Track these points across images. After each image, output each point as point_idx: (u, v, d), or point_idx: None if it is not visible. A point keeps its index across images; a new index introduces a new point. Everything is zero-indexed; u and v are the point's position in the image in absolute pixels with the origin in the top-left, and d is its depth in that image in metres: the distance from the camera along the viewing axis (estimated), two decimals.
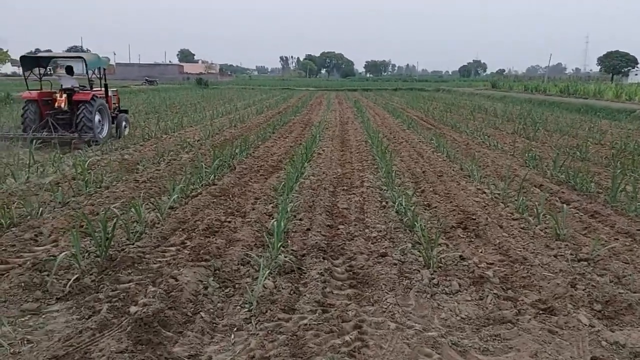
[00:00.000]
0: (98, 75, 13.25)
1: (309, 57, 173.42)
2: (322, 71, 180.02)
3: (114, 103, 14.11)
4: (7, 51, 79.25)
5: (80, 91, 12.39)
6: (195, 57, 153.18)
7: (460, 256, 5.17)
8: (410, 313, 3.94)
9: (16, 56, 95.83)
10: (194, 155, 10.67)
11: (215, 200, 7.22)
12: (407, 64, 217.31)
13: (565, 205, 6.66)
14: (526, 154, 10.81)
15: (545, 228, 6.10)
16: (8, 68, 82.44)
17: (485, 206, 7.12)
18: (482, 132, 15.10)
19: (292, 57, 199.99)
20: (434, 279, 4.57)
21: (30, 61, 12.67)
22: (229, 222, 6.21)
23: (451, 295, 4.30)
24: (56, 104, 12.03)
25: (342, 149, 12.49)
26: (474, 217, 6.46)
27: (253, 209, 6.81)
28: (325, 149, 12.28)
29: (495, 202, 7.31)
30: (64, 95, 12.03)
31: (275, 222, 5.31)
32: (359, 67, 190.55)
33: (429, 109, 25.41)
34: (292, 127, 17.55)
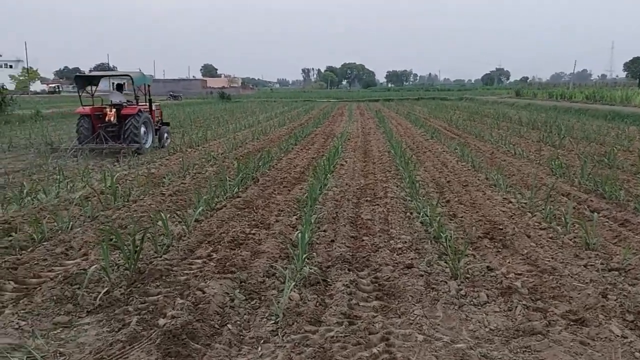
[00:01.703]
0: (143, 91, 14.48)
1: (330, 69, 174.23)
2: (343, 82, 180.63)
3: (157, 116, 15.28)
4: (37, 70, 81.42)
5: (128, 106, 13.63)
6: (218, 72, 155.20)
7: (488, 267, 5.11)
8: (438, 325, 3.90)
9: (45, 75, 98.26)
10: (218, 168, 10.79)
11: (239, 212, 7.28)
12: (429, 73, 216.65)
13: (595, 214, 6.54)
14: (552, 162, 10.66)
15: (574, 237, 5.99)
16: (38, 86, 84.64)
17: (512, 216, 7.03)
18: (507, 141, 14.93)
19: (313, 69, 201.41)
20: (461, 290, 4.52)
21: (83, 80, 14.17)
22: (254, 234, 6.25)
23: (479, 307, 4.25)
24: (106, 118, 13.23)
25: (365, 159, 12.49)
26: (500, 227, 6.39)
27: (277, 221, 6.85)
28: (347, 160, 12.29)
29: (522, 212, 7.21)
30: (114, 110, 13.24)
31: (299, 234, 5.33)
32: (380, 78, 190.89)
33: (452, 118, 25.26)
34: (314, 138, 17.61)
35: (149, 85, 14.86)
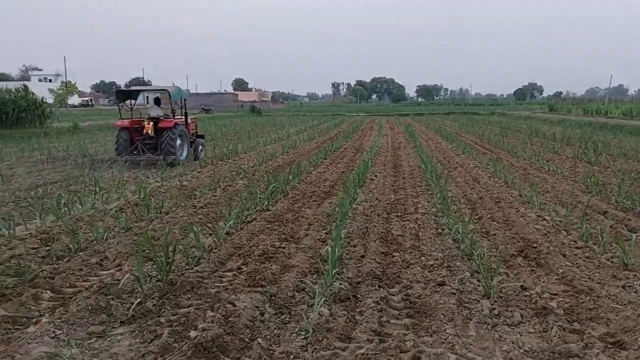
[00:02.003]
0: (179, 105, 14.89)
1: (360, 83, 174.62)
2: (372, 96, 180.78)
3: (192, 129, 15.70)
4: (75, 83, 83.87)
5: (165, 119, 14.13)
6: (249, 86, 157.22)
7: (522, 286, 5.00)
8: (471, 344, 3.83)
9: (83, 88, 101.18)
10: (248, 181, 10.88)
11: (269, 225, 7.32)
12: (460, 88, 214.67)
13: (633, 234, 6.35)
14: (588, 180, 10.40)
15: (612, 257, 5.82)
16: (76, 99, 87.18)
17: (546, 234, 6.87)
18: (540, 157, 14.66)
19: (342, 83, 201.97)
20: (494, 309, 4.43)
21: (123, 94, 14.85)
22: (283, 248, 6.26)
23: (513, 327, 4.16)
24: (144, 131, 13.86)
25: (395, 174, 12.42)
26: (534, 245, 6.25)
27: (306, 235, 6.85)
28: (377, 174, 12.24)
29: (557, 230, 7.04)
30: (151, 123, 13.82)
31: (329, 249, 5.32)
32: (410, 92, 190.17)
33: (484, 133, 24.97)
34: (344, 152, 17.63)
35: (185, 99, 15.33)
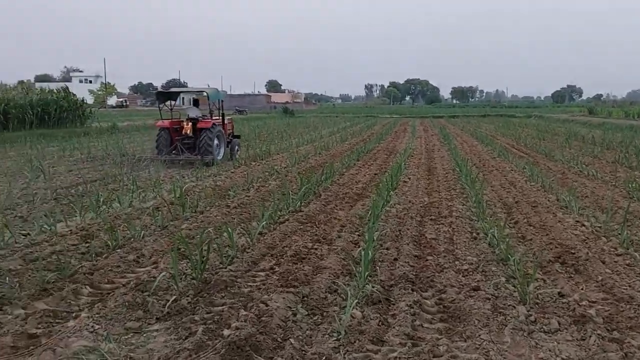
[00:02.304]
0: (217, 106, 15.31)
1: (393, 84, 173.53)
2: (406, 98, 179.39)
3: (228, 130, 16.07)
4: (114, 85, 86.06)
5: (203, 120, 14.54)
6: (282, 87, 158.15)
7: (559, 293, 4.89)
8: (506, 351, 3.76)
9: (121, 89, 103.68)
10: (281, 182, 10.95)
11: (301, 226, 7.35)
12: (496, 90, 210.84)
13: None
14: (630, 185, 10.09)
15: None
16: (114, 100, 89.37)
17: (585, 240, 6.69)
18: (579, 161, 14.29)
19: (376, 84, 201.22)
20: (530, 315, 4.34)
21: (164, 95, 15.41)
22: (316, 249, 6.28)
23: (550, 334, 4.06)
24: (183, 131, 14.26)
25: (429, 177, 12.30)
26: (573, 252, 6.09)
27: (339, 237, 6.85)
28: (411, 176, 12.15)
29: (597, 236, 6.85)
30: (190, 124, 14.22)
31: (362, 251, 5.31)
32: (445, 94, 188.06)
33: (520, 136, 24.50)
34: (377, 154, 17.56)
35: (222, 101, 15.76)
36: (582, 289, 5.02)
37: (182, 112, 16.10)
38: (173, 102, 15.54)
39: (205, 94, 15.00)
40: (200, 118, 14.65)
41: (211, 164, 13.69)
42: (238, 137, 17.03)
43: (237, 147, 16.08)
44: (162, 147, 14.17)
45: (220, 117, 15.40)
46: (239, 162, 14.67)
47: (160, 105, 15.25)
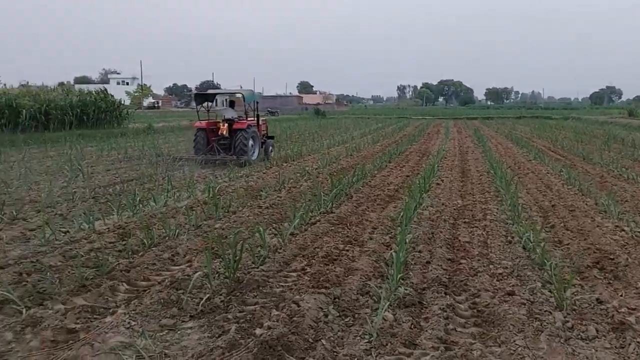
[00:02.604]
0: (252, 108, 15.84)
1: (426, 86, 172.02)
2: (439, 99, 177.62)
3: (263, 130, 16.37)
4: (150, 86, 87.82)
5: (238, 121, 14.85)
6: (314, 89, 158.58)
7: (597, 299, 4.75)
8: (542, 358, 3.68)
9: (157, 91, 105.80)
10: (312, 183, 10.97)
11: (333, 228, 7.34)
12: (532, 91, 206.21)
13: None
14: None
15: None
16: (150, 101, 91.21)
17: (624, 245, 6.49)
18: (618, 164, 13.87)
19: (409, 85, 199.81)
20: (567, 322, 4.24)
21: (201, 97, 15.81)
22: (347, 250, 6.27)
23: (587, 341, 3.95)
24: (219, 132, 14.61)
25: (462, 179, 12.14)
26: (611, 257, 5.92)
27: (370, 239, 6.82)
28: (444, 179, 12.01)
29: (637, 241, 6.63)
30: (226, 125, 14.57)
31: (394, 253, 5.27)
32: (479, 95, 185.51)
33: (557, 138, 23.95)
34: (409, 156, 17.43)
35: (257, 102, 16.15)
36: (621, 296, 4.87)
37: (218, 113, 16.46)
38: (210, 104, 15.85)
39: (241, 95, 15.40)
40: (236, 119, 14.99)
41: (246, 164, 13.97)
42: (272, 137, 17.31)
43: (271, 148, 16.38)
44: (200, 147, 14.57)
45: (255, 118, 15.72)
46: (270, 162, 14.79)
47: (198, 107, 15.59)
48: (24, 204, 8.46)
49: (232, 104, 16.18)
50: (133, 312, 4.31)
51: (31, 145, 18.52)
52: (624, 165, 13.75)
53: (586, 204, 9.00)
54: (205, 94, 16.15)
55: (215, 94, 16.52)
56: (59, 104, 24.50)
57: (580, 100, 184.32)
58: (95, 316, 4.28)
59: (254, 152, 14.97)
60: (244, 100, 15.33)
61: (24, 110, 22.36)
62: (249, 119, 15.43)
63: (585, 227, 7.38)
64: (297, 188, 10.67)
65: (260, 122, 16.08)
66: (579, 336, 4.02)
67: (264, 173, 12.97)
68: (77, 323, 4.10)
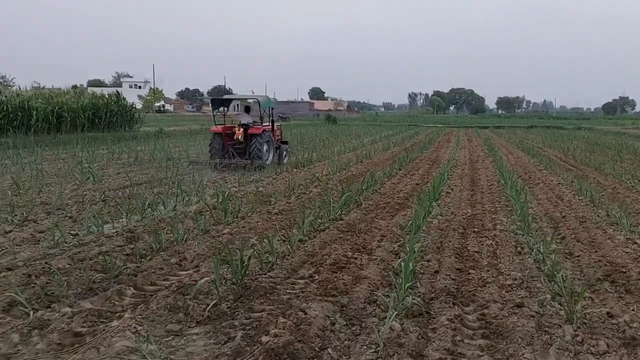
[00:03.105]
0: (267, 113, 16.20)
1: (437, 94, 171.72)
2: (450, 108, 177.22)
3: (277, 136, 16.69)
4: (162, 90, 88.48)
5: (254, 126, 15.24)
6: (325, 95, 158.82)
7: (608, 313, 4.68)
8: None
9: (169, 95, 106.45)
10: (322, 189, 10.96)
11: (342, 235, 7.32)
12: (544, 100, 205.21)
13: None
14: None
15: None
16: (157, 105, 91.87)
17: (637, 258, 6.39)
18: (632, 175, 13.72)
19: (420, 93, 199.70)
20: (577, 336, 4.17)
21: (218, 102, 16.02)
22: (355, 258, 6.24)
23: (598, 357, 3.89)
24: (235, 136, 14.95)
25: (472, 188, 12.07)
26: (623, 270, 5.83)
27: (379, 247, 6.79)
28: (453, 187, 11.95)
29: None
30: (241, 129, 14.93)
31: (402, 262, 5.24)
32: (490, 104, 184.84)
33: (569, 148, 23.76)
34: (419, 164, 17.37)
35: (272, 108, 16.50)
36: (632, 310, 4.79)
37: (234, 118, 16.85)
38: (225, 109, 16.14)
39: (257, 101, 15.73)
40: (251, 124, 15.31)
41: (261, 168, 14.22)
42: (286, 142, 17.57)
43: (285, 153, 16.67)
44: (215, 151, 14.89)
45: (270, 124, 16.04)
46: (281, 168, 14.81)
47: (215, 112, 15.86)
48: (34, 206, 8.53)
49: (247, 110, 16.50)
50: (139, 316, 4.31)
51: (43, 147, 18.69)
52: (637, 177, 13.59)
53: (598, 216, 8.90)
54: (222, 99, 16.44)
55: (231, 99, 16.99)
56: (71, 106, 24.71)
57: (592, 110, 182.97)
58: (101, 320, 4.28)
59: (268, 157, 15.26)
60: (260, 106, 15.65)
61: (34, 112, 22.54)
62: (264, 124, 15.78)
63: (596, 239, 7.30)
64: (307, 194, 10.65)
65: (275, 128, 16.40)
66: (589, 351, 3.96)
67: (273, 179, 12.97)
68: (83, 326, 4.10)
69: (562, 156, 20.63)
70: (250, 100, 17.17)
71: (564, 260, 6.36)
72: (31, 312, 4.29)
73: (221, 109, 15.87)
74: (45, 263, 5.52)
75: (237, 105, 17.14)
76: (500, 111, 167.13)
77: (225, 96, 17.83)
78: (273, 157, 15.68)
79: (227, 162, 14.48)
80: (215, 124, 15.39)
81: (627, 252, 6.63)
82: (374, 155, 20.07)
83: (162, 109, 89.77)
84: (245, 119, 15.60)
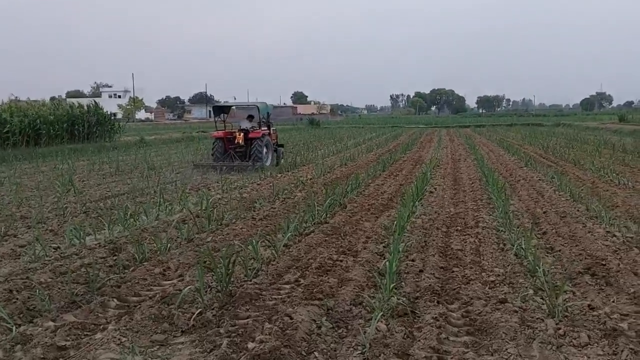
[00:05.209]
0: (265, 119, 17.03)
1: (419, 95, 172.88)
2: (432, 108, 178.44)
3: (274, 139, 17.67)
4: (142, 99, 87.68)
5: (253, 131, 16.14)
6: (308, 99, 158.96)
7: (589, 305, 4.75)
8: None
9: (149, 103, 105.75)
10: (306, 193, 10.97)
11: (327, 238, 7.33)
12: (523, 98, 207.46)
13: None
14: None
15: None
16: (143, 114, 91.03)
17: (616, 251, 6.50)
18: (609, 170, 13.93)
19: (402, 94, 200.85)
20: (559, 329, 4.23)
21: (219, 109, 17.36)
22: (341, 261, 6.25)
23: (580, 348, 3.95)
24: (236, 141, 15.91)
25: (455, 187, 12.18)
26: (603, 263, 5.93)
27: (364, 248, 6.82)
28: (437, 187, 12.04)
29: (628, 247, 6.65)
30: (242, 134, 15.92)
31: (387, 263, 5.27)
32: (471, 103, 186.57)
33: (549, 144, 24.08)
34: (403, 165, 17.47)
35: (269, 114, 17.57)
36: (613, 302, 4.88)
37: (234, 123, 17.78)
38: (225, 115, 17.07)
39: (256, 107, 16.76)
40: (250, 129, 16.22)
41: (261, 169, 15.12)
42: (282, 145, 18.72)
43: (281, 154, 17.90)
44: (218, 155, 15.88)
45: (267, 128, 16.93)
46: (264, 173, 14.77)
47: (216, 118, 17.04)
48: (14, 220, 8.41)
49: (250, 117, 17.20)
50: (124, 328, 4.27)
51: (22, 160, 18.44)
52: (615, 171, 13.82)
53: (578, 210, 9.04)
54: (221, 107, 17.68)
55: (231, 106, 17.98)
56: (47, 118, 24.39)
57: (571, 106, 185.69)
58: (85, 333, 4.24)
59: (267, 159, 16.27)
60: (259, 112, 16.54)
61: (8, 126, 22.28)
62: (262, 128, 16.57)
63: (576, 233, 7.41)
64: (292, 199, 10.66)
65: (272, 132, 17.32)
66: (571, 343, 4.02)
67: (258, 184, 12.95)
68: (67, 340, 4.06)
69: (542, 153, 20.91)
70: (255, 107, 17.95)
71: (546, 255, 6.45)
72: (14, 328, 4.23)
73: (221, 115, 16.89)
74: (27, 277, 5.44)
75: (234, 110, 18.26)
76: (480, 110, 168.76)
77: (225, 103, 18.69)
78: (272, 158, 16.66)
79: (230, 165, 15.28)
80: (217, 130, 16.47)
81: (606, 245, 6.73)
82: (358, 157, 20.15)
83: (128, 118, 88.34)
84: (245, 124, 16.64)
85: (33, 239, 6.89)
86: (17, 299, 4.84)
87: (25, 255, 6.43)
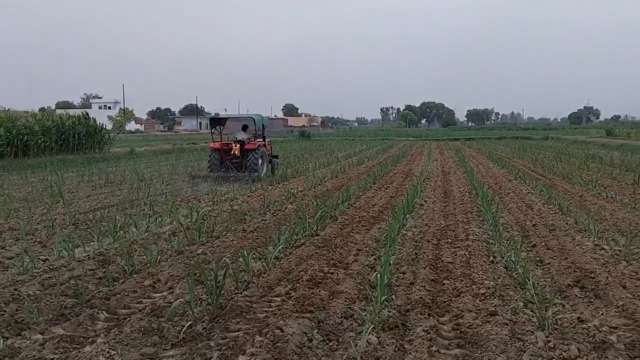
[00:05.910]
0: (260, 131, 17.39)
1: (409, 108, 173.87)
2: (422, 121, 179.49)
3: (268, 151, 17.98)
4: (132, 110, 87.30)
5: (249, 142, 16.42)
6: (299, 111, 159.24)
7: (579, 318, 4.79)
8: None
9: (140, 115, 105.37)
10: (297, 205, 10.97)
11: (318, 251, 7.33)
12: (512, 112, 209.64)
13: None
14: None
15: None
16: (133, 126, 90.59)
17: (604, 264, 6.57)
18: (597, 183, 14.09)
19: (392, 107, 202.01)
20: (549, 342, 4.26)
21: (216, 121, 17.69)
22: (332, 273, 6.25)
23: None
24: (232, 152, 16.15)
25: (445, 200, 12.24)
26: (592, 276, 5.99)
27: (355, 261, 6.82)
28: (427, 199, 12.10)
29: (617, 260, 6.72)
30: (238, 145, 16.12)
31: (378, 275, 5.28)
32: (461, 116, 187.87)
33: (537, 158, 24.31)
34: (393, 177, 17.54)
35: (265, 126, 17.93)
36: (602, 314, 4.92)
37: (229, 135, 17.96)
38: (221, 127, 17.31)
39: (252, 120, 17.04)
40: (246, 140, 16.47)
41: (257, 179, 15.46)
42: (276, 157, 18.96)
43: (276, 165, 18.28)
44: (214, 165, 16.21)
45: (263, 140, 17.36)
46: (255, 186, 14.76)
47: (212, 130, 17.46)
48: (2, 232, 8.33)
49: (244, 128, 17.46)
50: (113, 341, 4.24)
51: (10, 171, 18.28)
52: (602, 184, 13.98)
53: (566, 223, 9.11)
54: (217, 118, 17.95)
55: (227, 118, 18.09)
56: (33, 129, 24.20)
57: (559, 120, 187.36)
58: (74, 346, 4.20)
59: (263, 170, 16.63)
60: (255, 124, 16.85)
61: None
62: (257, 140, 16.88)
63: (565, 246, 7.47)
64: (282, 211, 10.65)
65: (267, 143, 17.81)
66: (561, 356, 4.04)
67: (248, 196, 12.92)
68: (55, 353, 4.02)
69: (530, 166, 21.09)
70: (251, 119, 18.24)
71: (535, 267, 6.49)
72: (1, 341, 4.18)
73: (218, 127, 17.16)
74: (15, 290, 5.38)
75: (226, 121, 18.30)
76: (470, 123, 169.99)
77: (222, 115, 18.95)
78: (267, 169, 16.99)
79: (225, 175, 15.53)
80: (213, 141, 16.75)
81: (595, 258, 6.79)
82: (349, 169, 20.20)
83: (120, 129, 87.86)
84: (241, 135, 16.80)
85: (21, 250, 6.83)
86: (5, 311, 4.79)
87: (13, 267, 6.37)
